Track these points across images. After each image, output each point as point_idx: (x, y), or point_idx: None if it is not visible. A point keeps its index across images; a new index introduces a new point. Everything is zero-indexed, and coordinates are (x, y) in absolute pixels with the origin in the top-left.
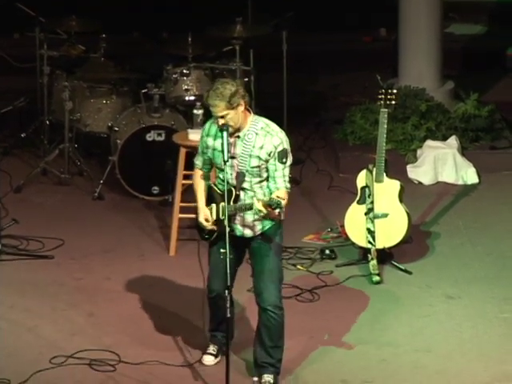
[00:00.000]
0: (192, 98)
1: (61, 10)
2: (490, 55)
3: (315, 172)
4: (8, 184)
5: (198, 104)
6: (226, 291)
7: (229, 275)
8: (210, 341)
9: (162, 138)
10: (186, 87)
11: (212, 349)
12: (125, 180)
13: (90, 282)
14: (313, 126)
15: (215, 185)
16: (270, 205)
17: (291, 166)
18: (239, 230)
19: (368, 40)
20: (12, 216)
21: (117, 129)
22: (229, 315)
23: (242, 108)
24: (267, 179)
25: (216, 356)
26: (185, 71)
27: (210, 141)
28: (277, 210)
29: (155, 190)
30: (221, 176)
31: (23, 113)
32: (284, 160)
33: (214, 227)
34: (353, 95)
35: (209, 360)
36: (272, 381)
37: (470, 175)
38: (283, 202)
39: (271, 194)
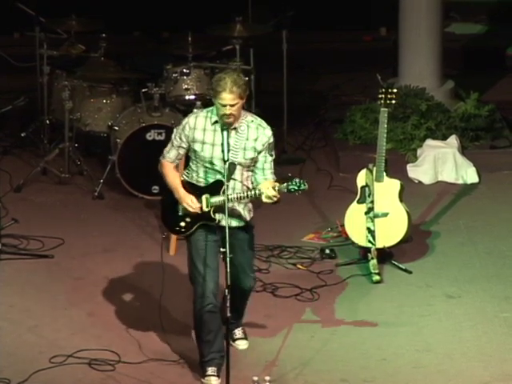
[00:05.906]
0: (192, 97)
1: (61, 9)
2: (490, 55)
3: (315, 171)
4: (8, 183)
5: (199, 103)
6: (227, 290)
7: (228, 274)
8: (207, 366)
9: (162, 138)
10: (186, 86)
11: (212, 370)
12: (125, 179)
13: (90, 281)
14: (313, 126)
15: (190, 178)
16: (290, 189)
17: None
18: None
19: (368, 39)
20: (12, 215)
21: (117, 128)
22: (229, 314)
23: (244, 101)
24: (253, 170)
25: (218, 376)
26: (185, 70)
27: (198, 134)
28: (297, 193)
29: (155, 189)
30: (208, 166)
31: (23, 112)
32: (272, 152)
33: (199, 211)
34: (353, 95)
35: (214, 381)
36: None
37: (470, 174)
38: (307, 185)
39: (258, 185)
